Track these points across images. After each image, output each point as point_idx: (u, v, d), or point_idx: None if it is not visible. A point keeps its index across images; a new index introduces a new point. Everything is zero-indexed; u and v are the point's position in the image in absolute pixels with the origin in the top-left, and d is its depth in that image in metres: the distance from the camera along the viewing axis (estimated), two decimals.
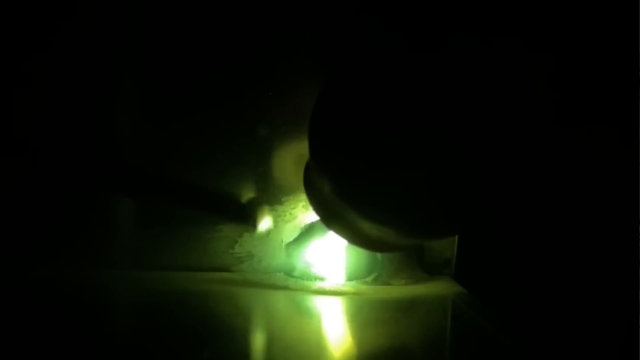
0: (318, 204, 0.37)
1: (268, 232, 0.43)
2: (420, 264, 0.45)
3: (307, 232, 0.43)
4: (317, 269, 0.43)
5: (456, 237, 0.45)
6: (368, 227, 0.33)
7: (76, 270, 0.40)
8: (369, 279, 0.43)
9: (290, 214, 0.43)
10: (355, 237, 0.36)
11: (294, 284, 0.42)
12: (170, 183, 0.41)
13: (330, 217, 0.36)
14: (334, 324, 0.36)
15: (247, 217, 0.41)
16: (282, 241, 0.44)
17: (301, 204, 0.43)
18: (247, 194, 0.42)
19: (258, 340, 0.32)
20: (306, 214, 0.43)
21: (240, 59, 0.41)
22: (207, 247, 0.42)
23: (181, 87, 0.41)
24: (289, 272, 0.44)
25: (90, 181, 0.40)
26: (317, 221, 0.42)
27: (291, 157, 0.42)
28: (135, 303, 0.37)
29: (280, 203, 0.43)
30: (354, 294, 0.41)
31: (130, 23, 0.40)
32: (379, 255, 0.43)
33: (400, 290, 0.42)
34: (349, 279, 0.43)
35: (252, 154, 0.42)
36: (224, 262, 0.43)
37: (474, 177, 0.32)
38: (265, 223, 0.42)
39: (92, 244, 0.41)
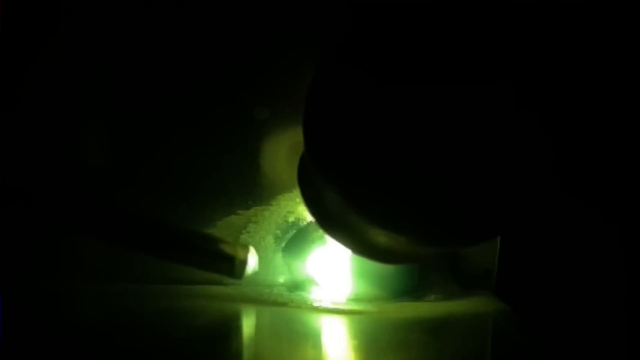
0: (316, 208, 0.34)
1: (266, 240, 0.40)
2: (454, 276, 0.42)
3: (305, 235, 0.40)
4: (324, 281, 0.40)
5: (497, 244, 0.41)
6: (377, 234, 0.30)
7: (59, 283, 0.38)
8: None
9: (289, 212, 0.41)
10: (362, 246, 0.33)
11: (299, 300, 0.39)
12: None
13: (332, 223, 0.33)
14: (348, 348, 0.33)
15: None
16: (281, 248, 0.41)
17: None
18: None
19: None
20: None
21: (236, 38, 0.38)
22: None
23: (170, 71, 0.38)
24: (292, 286, 0.41)
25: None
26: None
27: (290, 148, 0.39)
28: (118, 319, 0.35)
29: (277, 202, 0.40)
30: (374, 312, 0.38)
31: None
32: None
33: (430, 307, 0.39)
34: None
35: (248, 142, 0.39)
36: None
37: (507, 177, 0.28)
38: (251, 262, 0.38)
39: (75, 255, 0.39)
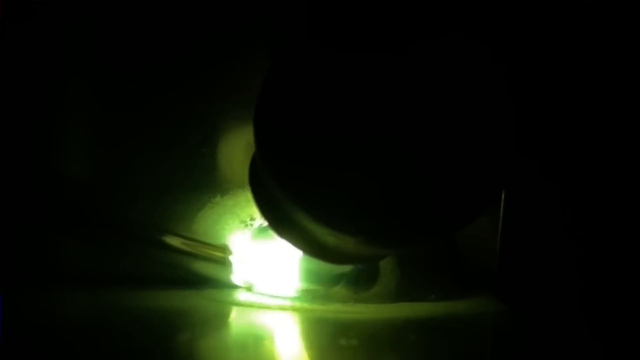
0: (267, 206, 0.34)
1: None
2: (453, 275, 0.41)
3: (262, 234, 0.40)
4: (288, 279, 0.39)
5: (498, 244, 0.41)
6: (324, 234, 0.30)
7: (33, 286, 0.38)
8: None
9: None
10: (310, 246, 0.33)
11: (276, 301, 0.38)
12: None
13: (281, 222, 0.33)
14: (348, 348, 0.31)
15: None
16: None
17: None
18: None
19: None
20: None
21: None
22: None
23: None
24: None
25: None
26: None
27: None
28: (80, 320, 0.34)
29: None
30: (373, 312, 0.37)
31: None
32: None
33: (430, 307, 0.39)
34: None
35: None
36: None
37: (456, 177, 0.29)
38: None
39: (45, 258, 0.39)
